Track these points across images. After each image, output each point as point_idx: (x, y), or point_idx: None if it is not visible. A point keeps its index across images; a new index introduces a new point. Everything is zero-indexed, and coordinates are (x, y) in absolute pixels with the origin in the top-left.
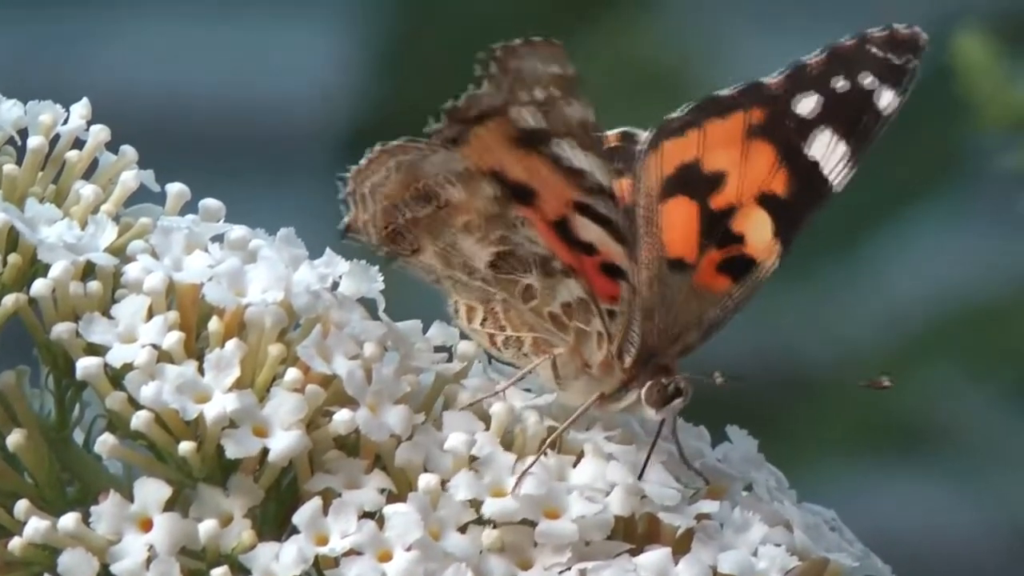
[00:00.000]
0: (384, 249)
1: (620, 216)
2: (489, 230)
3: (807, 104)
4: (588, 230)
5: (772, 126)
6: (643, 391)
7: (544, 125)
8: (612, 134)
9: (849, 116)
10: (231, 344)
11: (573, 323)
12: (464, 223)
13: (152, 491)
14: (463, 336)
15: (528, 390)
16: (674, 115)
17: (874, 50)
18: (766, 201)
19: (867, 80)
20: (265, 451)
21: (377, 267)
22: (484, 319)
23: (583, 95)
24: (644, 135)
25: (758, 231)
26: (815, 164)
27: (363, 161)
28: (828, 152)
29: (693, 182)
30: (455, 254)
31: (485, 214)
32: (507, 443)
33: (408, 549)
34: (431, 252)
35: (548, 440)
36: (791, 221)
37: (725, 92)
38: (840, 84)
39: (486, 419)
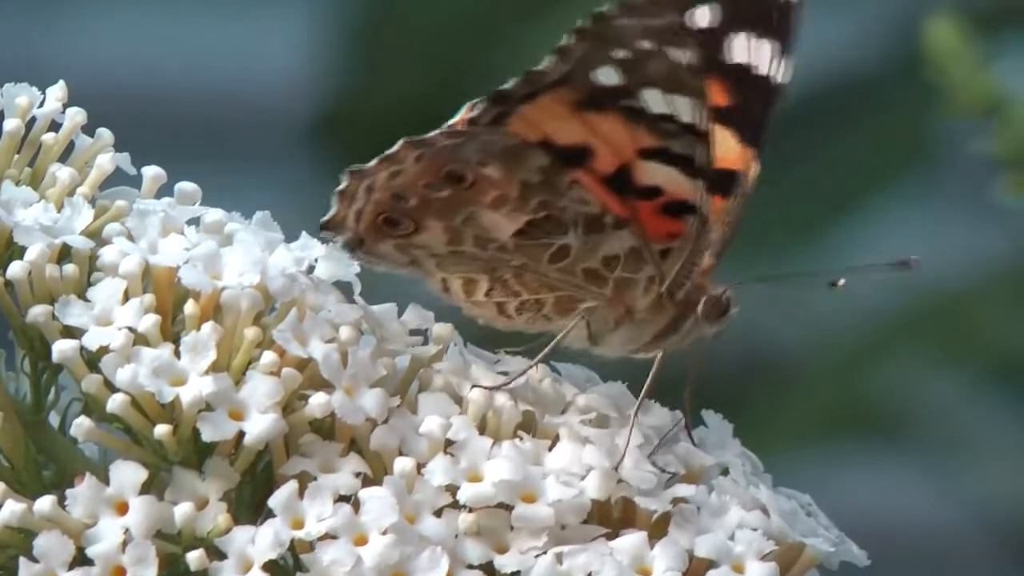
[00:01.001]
0: (354, 241)
1: (701, 150)
2: (525, 200)
3: (704, 15)
4: (654, 173)
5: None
6: (700, 308)
7: (622, 82)
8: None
9: (756, 17)
10: (207, 327)
11: (616, 274)
12: (494, 198)
13: (128, 474)
14: (438, 319)
15: (504, 373)
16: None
17: None
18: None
19: None
20: (241, 434)
21: None
22: (490, 289)
23: (686, 39)
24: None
25: (722, 144)
26: (746, 67)
27: (375, 161)
28: (753, 53)
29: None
30: (470, 228)
31: (525, 185)
32: (480, 426)
33: (384, 533)
34: (437, 230)
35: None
36: (753, 125)
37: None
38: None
39: (460, 401)
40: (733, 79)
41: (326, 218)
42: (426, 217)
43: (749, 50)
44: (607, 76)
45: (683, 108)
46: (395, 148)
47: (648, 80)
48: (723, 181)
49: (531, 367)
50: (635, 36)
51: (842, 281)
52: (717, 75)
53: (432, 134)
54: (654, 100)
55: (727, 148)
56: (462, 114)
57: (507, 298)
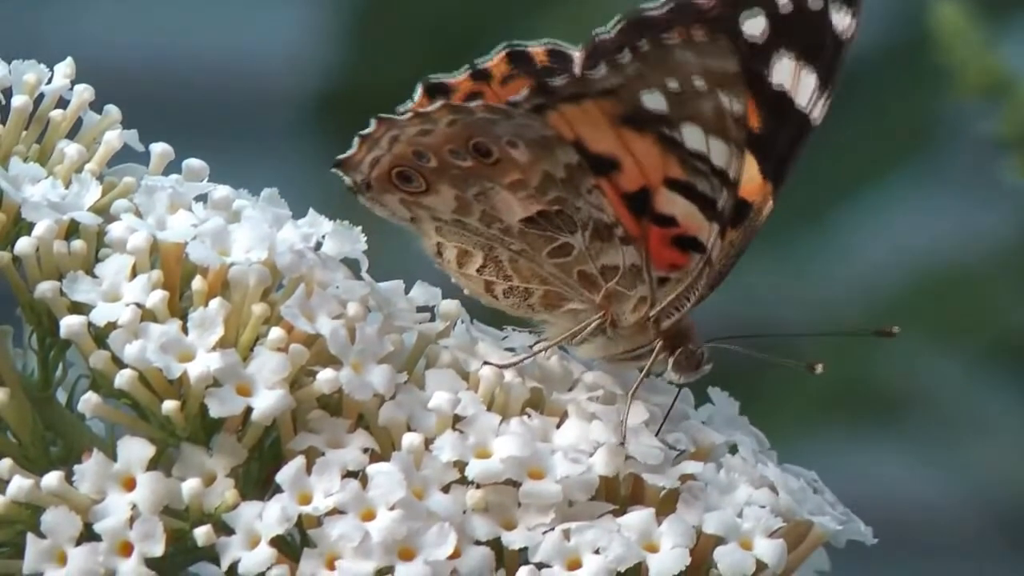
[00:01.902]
0: (364, 185)
1: (725, 197)
2: (543, 191)
3: (755, 25)
4: (674, 205)
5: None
6: (673, 358)
7: (667, 111)
8: (539, 49)
9: (807, 40)
10: (215, 303)
11: (611, 285)
12: (512, 181)
13: (135, 450)
14: (445, 296)
15: (511, 349)
16: (604, 34)
17: None
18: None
19: None
20: (248, 410)
21: (360, 228)
22: (482, 266)
23: (740, 90)
24: (575, 51)
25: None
26: (783, 95)
27: (408, 114)
28: (796, 82)
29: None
30: (480, 203)
31: (547, 176)
32: (488, 403)
33: (391, 508)
34: (448, 196)
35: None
36: (777, 158)
37: (654, 10)
38: (784, 2)
39: (467, 377)
40: (767, 104)
41: (342, 156)
42: (440, 181)
43: (794, 77)
44: (654, 101)
45: (718, 153)
46: (433, 107)
47: (692, 117)
48: (735, 209)
49: (543, 350)
50: (691, 72)
51: (820, 367)
52: (753, 95)
53: (473, 103)
54: (693, 136)
55: (747, 177)
56: (460, 76)
57: (497, 279)
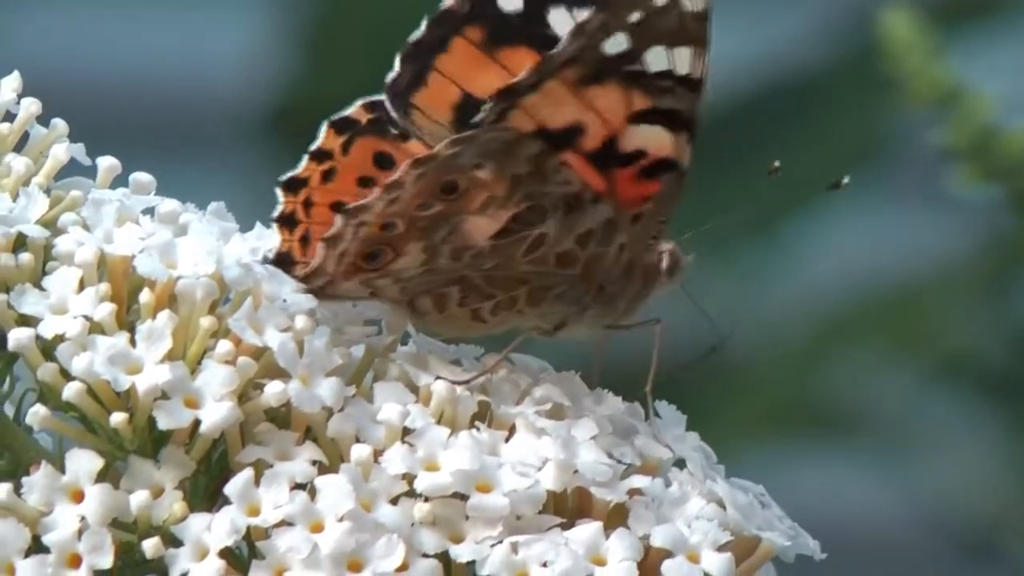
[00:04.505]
0: (323, 286)
1: (691, 98)
2: (511, 196)
3: (617, 43)
4: (639, 136)
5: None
6: (664, 263)
7: (629, 47)
8: (356, 110)
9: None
10: (163, 316)
11: (589, 251)
12: (482, 202)
13: (84, 462)
14: None
15: (457, 361)
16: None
17: None
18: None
19: None
20: (196, 423)
21: None
22: (463, 298)
23: None
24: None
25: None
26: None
27: (374, 193)
28: (671, 60)
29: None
30: (448, 243)
31: (514, 180)
32: (436, 415)
33: (340, 520)
34: (415, 252)
35: None
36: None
37: (423, 32)
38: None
39: (415, 390)
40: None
41: (308, 270)
42: (408, 242)
43: (668, 59)
44: (616, 44)
45: (683, 59)
46: (400, 171)
47: (655, 39)
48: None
49: (498, 363)
50: None
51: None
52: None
53: (435, 148)
54: (656, 59)
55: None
56: (304, 165)
57: (482, 302)
